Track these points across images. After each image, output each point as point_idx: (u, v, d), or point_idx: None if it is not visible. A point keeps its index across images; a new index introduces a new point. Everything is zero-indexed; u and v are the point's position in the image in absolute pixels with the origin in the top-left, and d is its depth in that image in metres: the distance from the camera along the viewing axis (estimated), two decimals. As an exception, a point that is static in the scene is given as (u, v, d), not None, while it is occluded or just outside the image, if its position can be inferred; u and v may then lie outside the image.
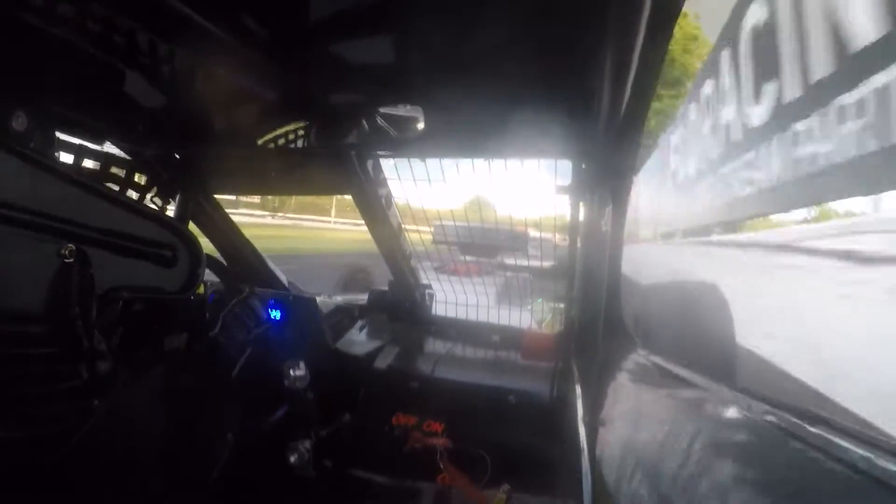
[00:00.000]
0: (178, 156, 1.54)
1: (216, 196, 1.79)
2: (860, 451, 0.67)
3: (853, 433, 0.82)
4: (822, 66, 2.41)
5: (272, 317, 1.71)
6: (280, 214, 20.97)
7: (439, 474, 1.34)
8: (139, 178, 1.43)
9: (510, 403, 1.41)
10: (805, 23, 2.54)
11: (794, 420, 0.84)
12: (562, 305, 1.80)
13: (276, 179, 1.71)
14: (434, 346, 1.79)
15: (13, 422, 0.82)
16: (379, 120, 1.39)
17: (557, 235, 1.67)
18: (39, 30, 0.83)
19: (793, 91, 2.73)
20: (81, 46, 0.91)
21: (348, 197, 1.67)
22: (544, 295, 2.14)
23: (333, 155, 1.44)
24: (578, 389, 1.14)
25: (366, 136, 1.37)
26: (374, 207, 1.62)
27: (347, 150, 1.42)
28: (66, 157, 1.17)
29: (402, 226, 1.77)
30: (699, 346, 3.05)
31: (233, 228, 1.89)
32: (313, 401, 1.38)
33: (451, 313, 1.97)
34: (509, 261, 1.89)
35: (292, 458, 1.30)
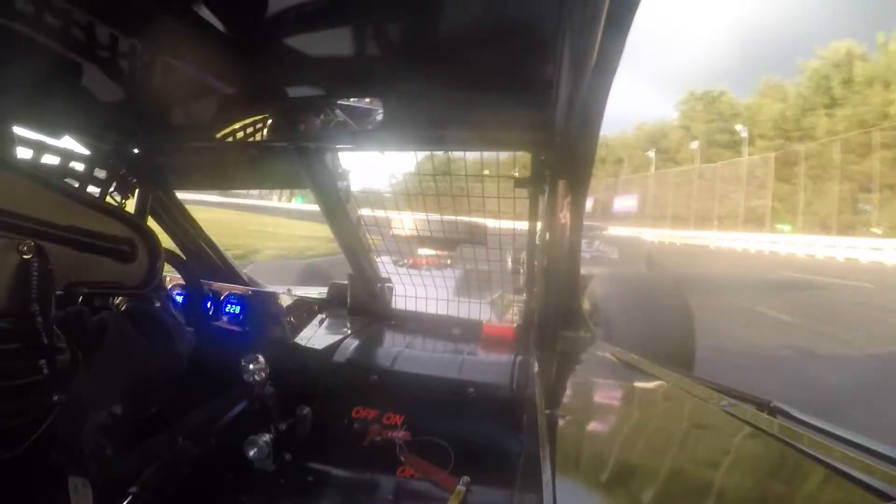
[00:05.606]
0: (136, 150, 1.51)
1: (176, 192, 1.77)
2: (814, 439, 0.72)
3: (807, 422, 0.88)
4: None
5: (231, 311, 1.68)
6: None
7: (399, 467, 1.34)
8: (99, 174, 1.42)
9: (470, 396, 1.41)
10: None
11: (750, 409, 0.89)
12: (522, 297, 1.83)
13: (234, 174, 1.70)
14: (393, 339, 1.79)
15: None
16: (338, 112, 1.38)
17: (517, 227, 1.69)
18: None
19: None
20: (39, 41, 0.89)
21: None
22: (504, 287, 2.17)
23: (292, 148, 1.42)
24: (538, 381, 1.16)
25: (324, 129, 1.36)
26: (332, 201, 1.61)
27: (306, 143, 1.40)
28: (25, 153, 1.16)
29: (362, 219, 1.77)
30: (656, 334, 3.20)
31: (193, 224, 1.87)
32: (272, 395, 1.36)
33: (410, 307, 1.97)
34: (469, 253, 1.91)
35: (251, 452, 1.28)
